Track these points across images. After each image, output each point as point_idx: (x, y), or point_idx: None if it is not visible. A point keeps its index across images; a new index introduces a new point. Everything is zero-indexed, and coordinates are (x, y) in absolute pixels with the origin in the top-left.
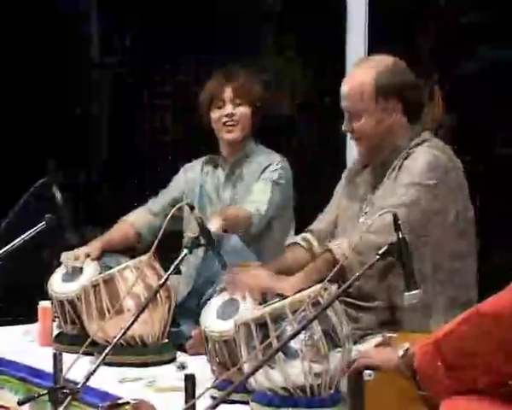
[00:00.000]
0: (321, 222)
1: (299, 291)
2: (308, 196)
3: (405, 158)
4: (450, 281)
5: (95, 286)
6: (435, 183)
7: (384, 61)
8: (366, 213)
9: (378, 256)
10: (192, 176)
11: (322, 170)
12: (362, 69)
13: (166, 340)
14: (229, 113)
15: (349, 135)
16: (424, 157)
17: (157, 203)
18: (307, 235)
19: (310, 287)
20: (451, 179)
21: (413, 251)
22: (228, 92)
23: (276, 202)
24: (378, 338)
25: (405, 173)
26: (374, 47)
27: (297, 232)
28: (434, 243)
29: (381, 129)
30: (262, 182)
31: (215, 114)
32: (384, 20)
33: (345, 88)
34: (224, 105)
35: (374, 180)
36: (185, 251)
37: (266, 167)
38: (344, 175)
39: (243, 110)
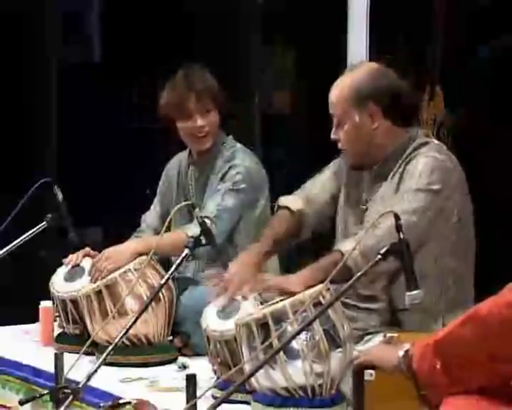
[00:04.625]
0: (315, 194)
1: (304, 289)
2: None
3: (407, 163)
4: (451, 280)
5: (97, 292)
6: (440, 186)
7: (363, 67)
8: (364, 212)
9: (380, 256)
10: (171, 176)
11: None
12: (344, 77)
13: (170, 338)
14: (199, 126)
15: (339, 145)
16: (426, 161)
17: (149, 217)
18: (302, 207)
19: (313, 286)
20: (453, 179)
21: (416, 251)
22: (193, 102)
23: (237, 208)
24: (379, 338)
25: (410, 179)
26: (374, 47)
27: None
28: (437, 243)
29: (364, 135)
30: (217, 192)
31: (182, 126)
32: (384, 20)
33: (330, 96)
34: (190, 116)
35: (373, 180)
36: (186, 251)
37: (226, 172)
38: (334, 165)
39: (212, 118)
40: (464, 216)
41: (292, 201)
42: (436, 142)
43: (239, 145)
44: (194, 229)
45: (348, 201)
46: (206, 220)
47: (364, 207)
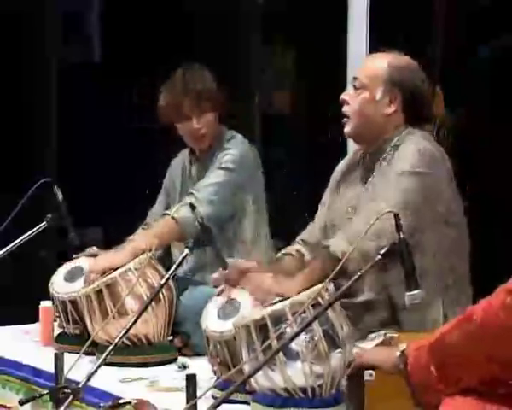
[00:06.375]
0: (312, 233)
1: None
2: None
3: (394, 151)
4: (451, 280)
5: (97, 292)
6: (425, 170)
7: (405, 59)
8: (358, 204)
9: (380, 256)
10: (176, 173)
11: None
12: (386, 54)
13: (170, 337)
14: (195, 128)
15: (343, 108)
16: (413, 147)
17: (155, 211)
18: (301, 248)
19: (311, 287)
20: (440, 169)
21: (413, 246)
22: (189, 105)
23: (224, 184)
24: (379, 338)
25: (396, 164)
26: (374, 47)
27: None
28: (433, 237)
29: (374, 113)
30: (209, 173)
31: (180, 128)
32: (384, 20)
33: (365, 61)
34: (187, 119)
35: (365, 173)
36: (186, 251)
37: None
38: (333, 176)
39: (209, 119)
40: (456, 211)
41: (288, 247)
42: (425, 132)
43: (239, 136)
44: (179, 208)
45: (342, 196)
46: (190, 198)
47: (356, 201)
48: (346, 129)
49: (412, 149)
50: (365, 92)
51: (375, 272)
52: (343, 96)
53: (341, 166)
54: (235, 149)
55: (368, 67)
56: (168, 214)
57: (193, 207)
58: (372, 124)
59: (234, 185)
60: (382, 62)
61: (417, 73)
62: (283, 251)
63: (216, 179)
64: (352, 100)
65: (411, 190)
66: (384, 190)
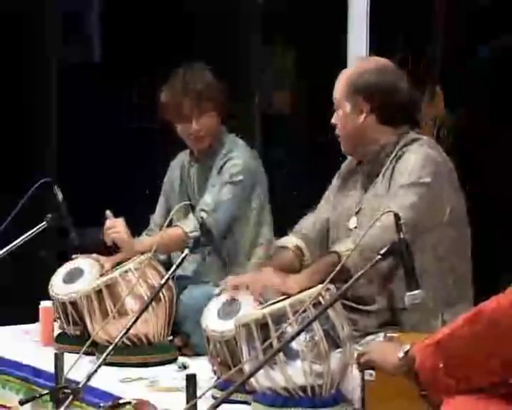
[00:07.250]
0: (310, 226)
1: (302, 291)
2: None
3: (397, 159)
4: (451, 280)
5: (97, 292)
6: (431, 179)
7: (370, 61)
8: (358, 211)
9: (380, 256)
10: (174, 174)
11: None
12: (350, 67)
13: (170, 337)
14: (194, 129)
15: (335, 131)
16: (417, 156)
17: (157, 217)
18: (298, 242)
19: (312, 287)
20: (443, 173)
21: (414, 247)
22: (188, 106)
23: (234, 200)
24: (379, 339)
25: (401, 174)
26: (374, 47)
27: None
28: (434, 238)
29: (352, 126)
30: (215, 185)
31: (179, 128)
32: (384, 20)
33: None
34: (186, 119)
35: (365, 180)
36: (186, 251)
37: (223, 165)
38: (335, 177)
39: (209, 120)
40: (457, 212)
41: (287, 240)
42: (426, 138)
43: (240, 142)
44: (190, 224)
45: (343, 200)
46: (203, 213)
47: (357, 209)
48: (342, 148)
49: (417, 158)
50: (340, 110)
51: (378, 286)
52: (332, 121)
53: (342, 170)
54: (240, 158)
55: (337, 85)
56: (178, 226)
57: (203, 224)
58: (356, 137)
59: (242, 198)
60: (344, 76)
61: (385, 74)
62: (280, 244)
63: (227, 196)
64: (336, 121)
65: (418, 201)
66: (392, 204)
